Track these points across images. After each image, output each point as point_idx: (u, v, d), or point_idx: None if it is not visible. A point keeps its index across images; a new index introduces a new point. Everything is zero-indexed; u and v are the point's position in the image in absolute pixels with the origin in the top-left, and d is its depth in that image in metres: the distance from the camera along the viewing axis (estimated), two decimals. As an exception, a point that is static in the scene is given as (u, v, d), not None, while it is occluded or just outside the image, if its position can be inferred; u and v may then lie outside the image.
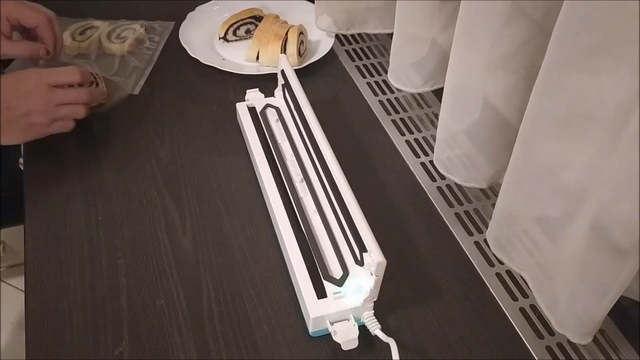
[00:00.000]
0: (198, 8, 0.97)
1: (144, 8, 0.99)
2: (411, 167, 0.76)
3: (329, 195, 0.63)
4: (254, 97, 0.79)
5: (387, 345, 0.54)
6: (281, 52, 0.85)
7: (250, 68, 0.87)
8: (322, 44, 0.92)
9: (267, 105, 0.78)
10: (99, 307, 0.58)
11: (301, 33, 0.87)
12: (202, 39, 0.92)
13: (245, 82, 0.85)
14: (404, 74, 0.80)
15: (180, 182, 0.72)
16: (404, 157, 0.77)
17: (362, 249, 0.54)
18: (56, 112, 0.71)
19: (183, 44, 0.88)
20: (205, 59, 0.86)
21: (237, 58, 0.90)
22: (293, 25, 0.88)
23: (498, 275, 0.64)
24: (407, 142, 0.80)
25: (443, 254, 0.66)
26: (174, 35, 0.91)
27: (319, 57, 0.89)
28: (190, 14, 0.95)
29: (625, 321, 0.60)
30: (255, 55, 0.88)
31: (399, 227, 0.69)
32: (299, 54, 0.87)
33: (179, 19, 0.95)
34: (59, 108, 0.71)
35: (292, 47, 0.85)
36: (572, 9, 0.42)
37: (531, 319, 0.60)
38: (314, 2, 0.91)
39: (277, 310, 0.59)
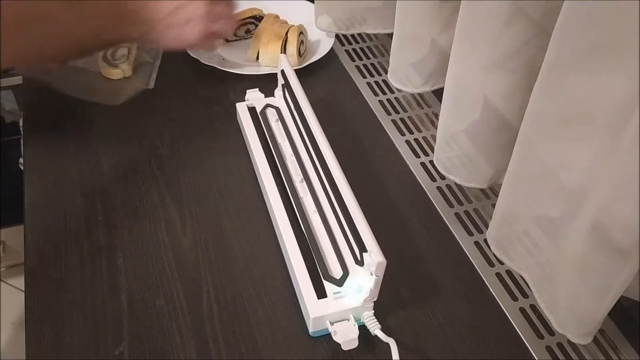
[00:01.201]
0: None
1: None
2: (411, 167, 0.76)
3: (329, 195, 0.63)
4: (254, 97, 0.79)
5: (387, 345, 0.54)
6: (281, 52, 0.85)
7: (250, 68, 0.87)
8: (322, 44, 0.92)
9: (267, 105, 0.78)
10: (99, 307, 0.58)
11: (301, 33, 0.87)
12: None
13: (245, 82, 0.85)
14: (404, 74, 0.80)
15: (180, 182, 0.72)
16: (404, 157, 0.77)
17: (362, 248, 0.54)
18: (213, 25, 0.72)
19: None
20: (205, 59, 0.86)
21: (237, 58, 0.90)
22: (293, 25, 0.88)
23: (498, 275, 0.64)
24: (407, 142, 0.80)
25: (443, 254, 0.66)
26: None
27: (319, 57, 0.89)
28: (190, 14, 0.95)
29: (625, 321, 0.60)
30: (255, 55, 0.88)
31: (399, 227, 0.69)
32: (299, 54, 0.87)
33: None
34: (216, 22, 0.73)
35: (292, 47, 0.85)
36: (572, 9, 0.42)
37: (531, 319, 0.60)
38: (314, 2, 0.91)
39: (277, 310, 0.59)
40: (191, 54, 0.86)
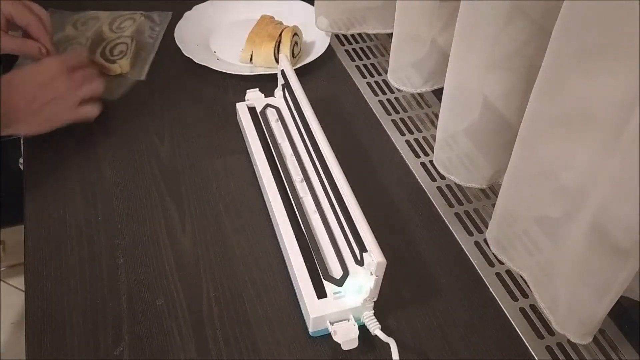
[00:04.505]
0: (195, 7, 0.97)
1: (142, 5, 0.98)
2: (411, 167, 0.76)
3: (329, 195, 0.63)
4: (254, 97, 0.79)
5: (387, 345, 0.54)
6: (274, 53, 0.85)
7: (243, 68, 0.87)
8: (318, 45, 0.92)
9: (267, 105, 0.78)
10: (99, 307, 0.58)
11: (295, 34, 0.87)
12: (198, 38, 0.92)
13: (245, 82, 0.85)
14: (404, 74, 0.80)
15: (180, 182, 0.72)
16: (404, 157, 0.77)
17: (362, 248, 0.54)
18: (79, 94, 0.72)
19: (177, 43, 0.88)
20: (199, 59, 0.86)
21: (232, 58, 0.90)
22: (287, 27, 0.88)
23: (498, 275, 0.64)
24: (407, 142, 0.80)
25: (443, 254, 0.66)
26: (173, 34, 0.91)
27: (312, 59, 0.88)
28: (187, 13, 0.95)
29: (625, 321, 0.60)
30: (249, 56, 0.87)
31: (399, 227, 0.69)
32: (293, 55, 0.86)
33: (176, 14, 0.95)
34: (81, 89, 0.73)
35: (285, 49, 0.85)
36: (572, 9, 0.42)
37: (531, 319, 0.60)
38: (311, 3, 0.91)
39: (277, 310, 0.59)
40: (185, 53, 0.86)
